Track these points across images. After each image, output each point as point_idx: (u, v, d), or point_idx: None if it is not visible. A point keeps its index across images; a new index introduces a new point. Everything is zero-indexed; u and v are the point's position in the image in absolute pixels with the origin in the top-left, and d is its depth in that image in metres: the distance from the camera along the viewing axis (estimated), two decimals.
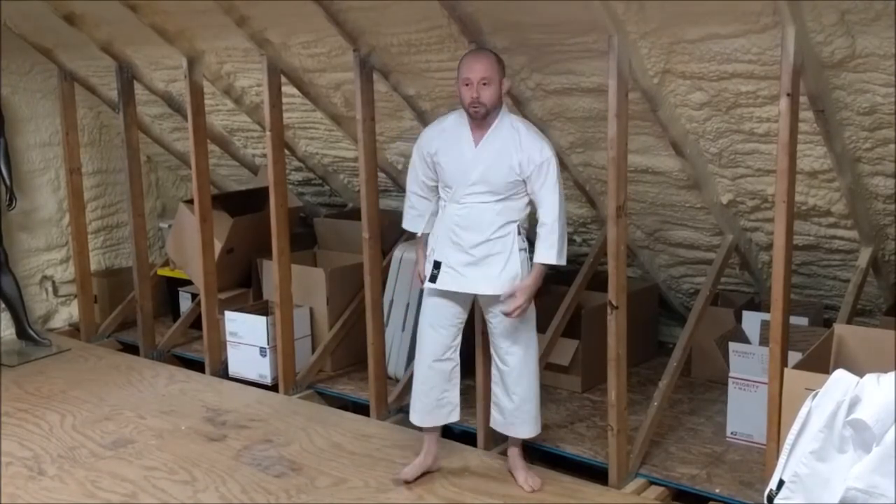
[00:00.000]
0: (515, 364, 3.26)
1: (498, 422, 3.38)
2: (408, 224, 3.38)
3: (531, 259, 3.19)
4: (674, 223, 4.09)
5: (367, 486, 3.33)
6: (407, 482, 3.31)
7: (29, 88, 5.40)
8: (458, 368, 3.33)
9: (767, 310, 3.18)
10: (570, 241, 4.62)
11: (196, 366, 4.93)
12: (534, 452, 3.76)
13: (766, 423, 3.02)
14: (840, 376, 2.42)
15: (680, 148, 3.47)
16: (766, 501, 2.47)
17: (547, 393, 4.30)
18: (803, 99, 2.88)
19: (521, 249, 3.16)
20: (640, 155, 3.66)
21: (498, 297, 3.17)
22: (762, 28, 2.82)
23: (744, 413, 3.63)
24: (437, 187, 3.27)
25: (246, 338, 4.59)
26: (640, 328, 4.42)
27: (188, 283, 5.38)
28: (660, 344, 4.86)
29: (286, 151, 4.61)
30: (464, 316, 3.29)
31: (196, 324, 5.10)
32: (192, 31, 4.27)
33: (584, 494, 3.25)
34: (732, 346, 3.78)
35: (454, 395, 3.34)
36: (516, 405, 3.29)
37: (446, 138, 3.19)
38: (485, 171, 3.11)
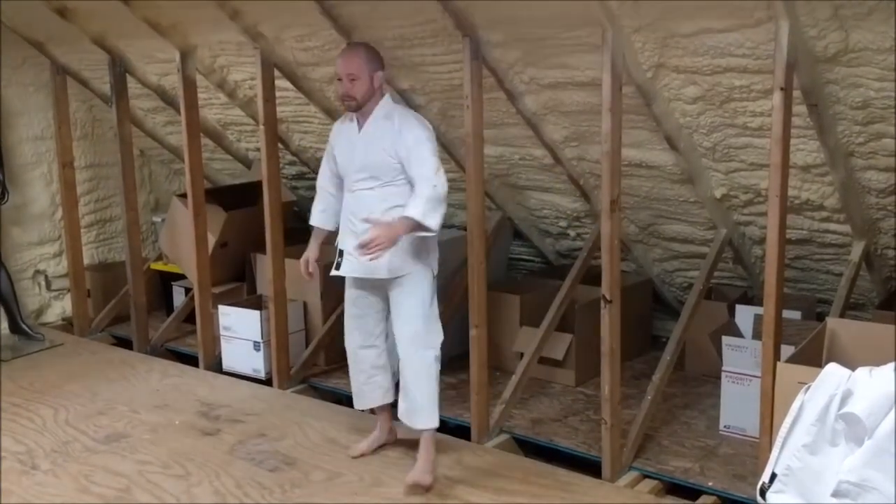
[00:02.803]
0: (402, 350, 3.27)
1: (401, 409, 3.36)
2: (313, 219, 3.51)
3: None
4: (667, 217, 4.09)
5: (362, 481, 3.34)
6: (355, 457, 3.48)
7: (21, 82, 5.37)
8: (384, 353, 3.44)
9: (760, 304, 3.19)
10: (564, 236, 4.66)
11: (190, 360, 4.92)
12: (527, 446, 3.78)
13: (758, 417, 3.03)
14: (832, 370, 2.43)
15: (674, 142, 3.48)
16: (758, 494, 2.48)
17: (540, 387, 4.31)
18: (797, 93, 2.89)
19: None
20: (634, 149, 3.67)
21: (397, 278, 3.22)
22: (756, 22, 2.82)
23: (737, 407, 3.64)
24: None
25: (240, 332, 4.59)
26: (634, 322, 4.43)
27: (182, 277, 5.37)
28: (653, 338, 4.87)
29: (280, 145, 4.60)
30: (380, 303, 3.36)
31: (190, 318, 5.09)
32: (185, 24, 4.25)
33: (577, 488, 3.26)
34: (725, 339, 3.79)
35: (384, 378, 3.45)
36: (404, 393, 3.30)
37: (342, 131, 3.35)
38: (364, 157, 3.24)
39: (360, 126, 3.27)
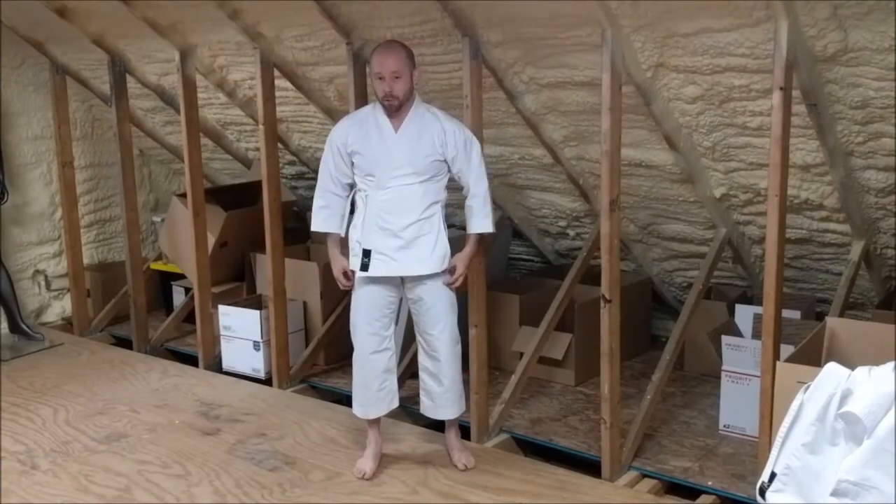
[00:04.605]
0: (443, 349, 3.33)
1: (427, 407, 3.46)
2: (320, 224, 3.34)
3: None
4: (667, 217, 4.10)
5: (361, 480, 3.34)
6: (368, 478, 3.34)
7: (20, 82, 5.37)
8: (395, 356, 3.42)
9: (760, 303, 3.19)
10: (563, 235, 4.67)
11: (189, 360, 4.93)
12: (527, 445, 3.78)
13: (758, 417, 3.03)
14: (832, 369, 2.43)
15: (673, 142, 3.48)
16: (758, 494, 2.48)
17: (540, 386, 4.32)
18: (796, 93, 2.89)
19: (446, 228, 3.30)
20: (634, 149, 3.67)
21: (425, 277, 3.26)
22: (755, 22, 2.82)
23: (736, 406, 3.64)
24: (350, 184, 3.33)
25: (239, 332, 4.59)
26: (634, 322, 4.43)
27: (181, 277, 5.38)
28: (653, 337, 4.88)
29: (279, 145, 4.61)
30: (396, 304, 3.36)
31: (189, 318, 5.09)
32: (184, 24, 4.25)
33: (577, 487, 3.27)
34: (725, 339, 3.80)
35: (393, 382, 3.41)
36: (445, 388, 3.38)
37: (363, 129, 3.26)
38: (409, 153, 3.20)
39: (395, 124, 3.21)
